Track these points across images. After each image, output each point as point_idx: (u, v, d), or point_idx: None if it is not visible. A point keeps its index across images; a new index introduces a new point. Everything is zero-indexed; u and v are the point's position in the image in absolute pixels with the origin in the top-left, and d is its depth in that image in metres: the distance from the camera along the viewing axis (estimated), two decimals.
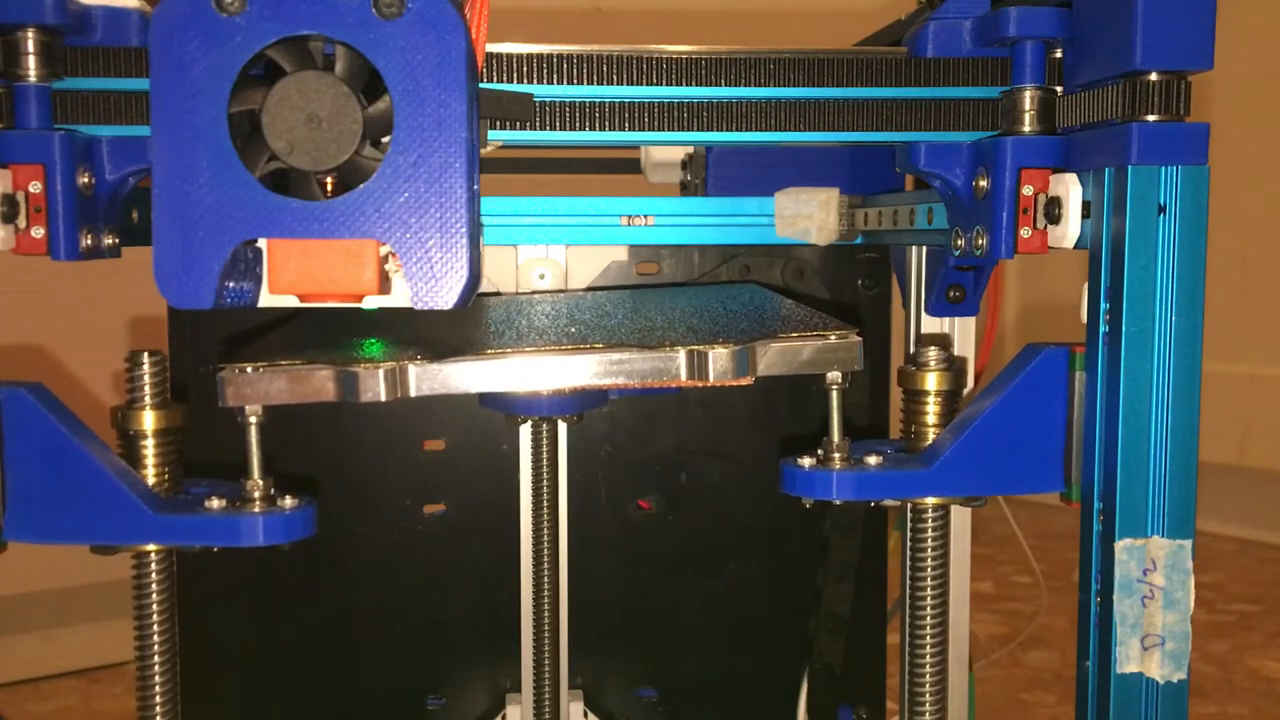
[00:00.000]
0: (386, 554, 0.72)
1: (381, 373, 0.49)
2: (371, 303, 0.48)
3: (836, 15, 1.52)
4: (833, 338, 0.51)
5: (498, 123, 0.53)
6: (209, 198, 0.45)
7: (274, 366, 0.50)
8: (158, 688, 0.54)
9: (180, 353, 0.69)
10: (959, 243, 0.55)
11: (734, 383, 0.50)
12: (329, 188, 0.47)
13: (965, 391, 0.58)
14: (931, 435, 0.55)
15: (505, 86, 0.52)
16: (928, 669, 0.56)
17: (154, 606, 0.54)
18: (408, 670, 0.73)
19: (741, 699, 0.75)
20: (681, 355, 0.50)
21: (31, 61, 0.50)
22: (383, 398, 0.49)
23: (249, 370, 0.50)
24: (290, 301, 0.48)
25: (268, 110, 0.45)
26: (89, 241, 0.51)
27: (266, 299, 0.48)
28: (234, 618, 0.71)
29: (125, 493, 0.51)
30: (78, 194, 0.50)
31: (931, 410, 0.55)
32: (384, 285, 0.48)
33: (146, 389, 0.53)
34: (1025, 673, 1.20)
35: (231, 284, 0.47)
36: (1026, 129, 0.52)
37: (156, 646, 0.54)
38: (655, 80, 0.54)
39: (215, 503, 0.52)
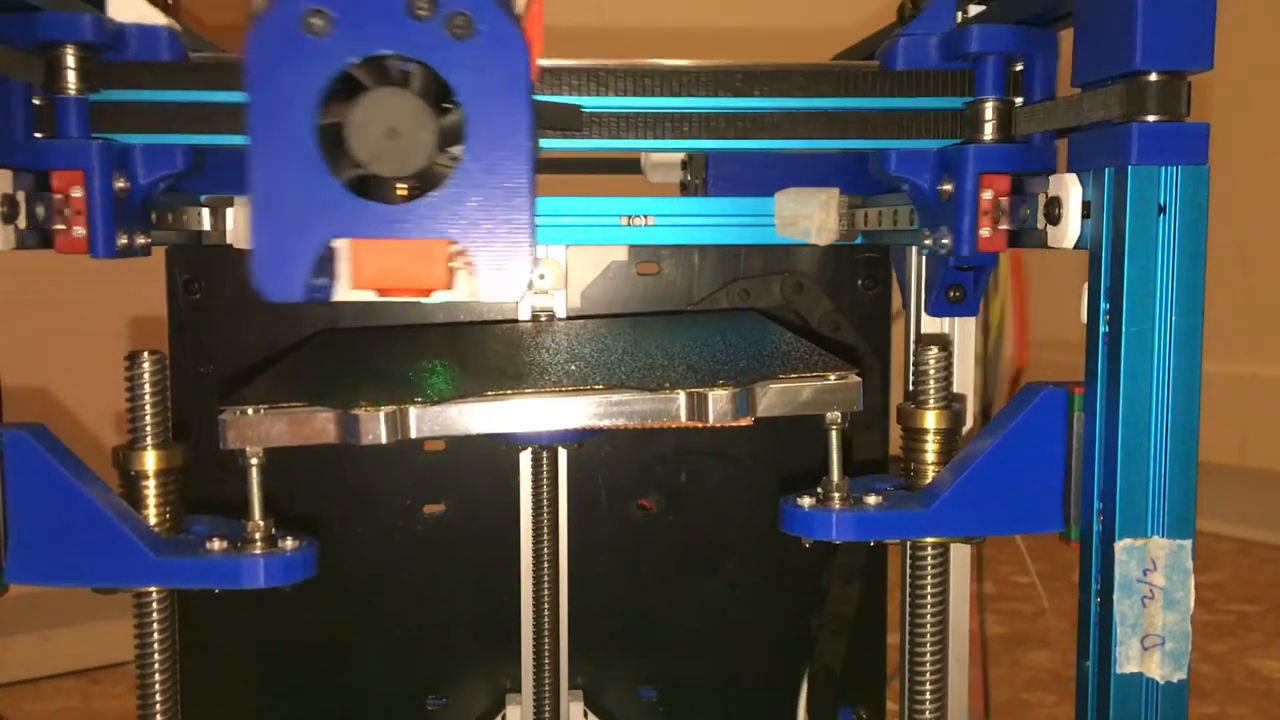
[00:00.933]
0: (386, 554, 0.72)
1: (382, 415, 0.49)
2: (438, 297, 0.50)
3: (820, 32, 1.53)
4: (832, 378, 0.52)
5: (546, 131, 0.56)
6: (300, 202, 0.48)
7: (275, 408, 0.50)
8: (158, 691, 0.54)
9: (180, 354, 0.69)
10: (926, 241, 0.58)
11: (734, 423, 0.51)
12: (404, 191, 0.50)
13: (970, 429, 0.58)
14: (931, 473, 0.56)
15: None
16: (928, 670, 0.57)
17: (155, 645, 0.54)
18: (408, 670, 0.73)
19: (741, 699, 0.75)
20: (681, 397, 0.51)
21: (71, 76, 0.54)
22: (384, 440, 0.50)
23: (250, 412, 0.50)
24: (369, 296, 0.51)
25: (352, 123, 0.47)
26: (124, 241, 0.55)
27: (346, 294, 0.50)
28: (234, 618, 0.71)
29: (127, 535, 0.51)
30: (114, 197, 0.54)
31: (930, 449, 0.56)
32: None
33: (148, 416, 0.53)
34: (1025, 673, 1.20)
35: (314, 281, 0.49)
36: (987, 137, 0.56)
37: (158, 665, 0.54)
38: (651, 91, 0.58)
39: (216, 544, 0.52)
